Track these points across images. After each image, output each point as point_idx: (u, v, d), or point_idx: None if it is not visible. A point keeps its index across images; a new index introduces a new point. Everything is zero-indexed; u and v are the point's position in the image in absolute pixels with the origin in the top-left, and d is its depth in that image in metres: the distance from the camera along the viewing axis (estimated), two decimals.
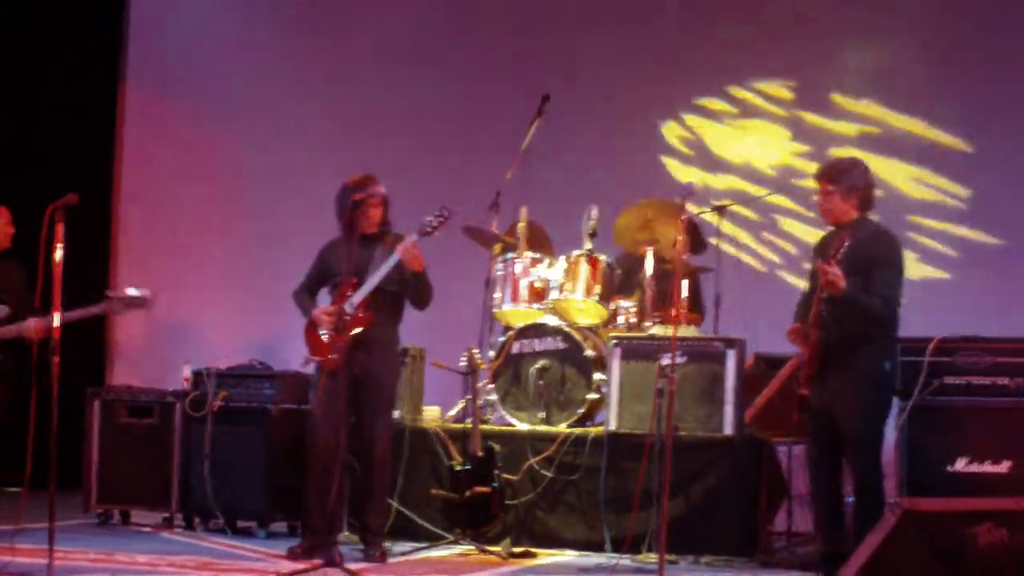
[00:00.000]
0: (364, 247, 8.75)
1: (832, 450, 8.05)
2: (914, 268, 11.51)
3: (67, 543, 8.55)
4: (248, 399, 10.09)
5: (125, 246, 13.65)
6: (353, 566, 7.86)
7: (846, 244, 7.74)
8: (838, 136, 12.15)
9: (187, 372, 10.35)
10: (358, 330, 8.62)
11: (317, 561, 7.97)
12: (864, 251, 7.90)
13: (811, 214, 11.86)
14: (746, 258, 11.40)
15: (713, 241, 10.44)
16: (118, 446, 10.33)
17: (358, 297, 8.66)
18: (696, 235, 10.30)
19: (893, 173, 11.87)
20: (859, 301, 7.83)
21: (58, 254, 7.40)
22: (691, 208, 9.46)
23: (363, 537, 8.91)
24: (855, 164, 8.29)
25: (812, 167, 11.82)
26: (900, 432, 8.60)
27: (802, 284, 11.22)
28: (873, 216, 8.24)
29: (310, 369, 9.37)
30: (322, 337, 8.71)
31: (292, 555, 8.53)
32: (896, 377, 8.26)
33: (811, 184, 10.09)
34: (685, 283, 9.27)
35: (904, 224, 11.56)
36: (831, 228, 8.28)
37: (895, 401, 8.50)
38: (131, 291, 8.45)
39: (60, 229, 7.35)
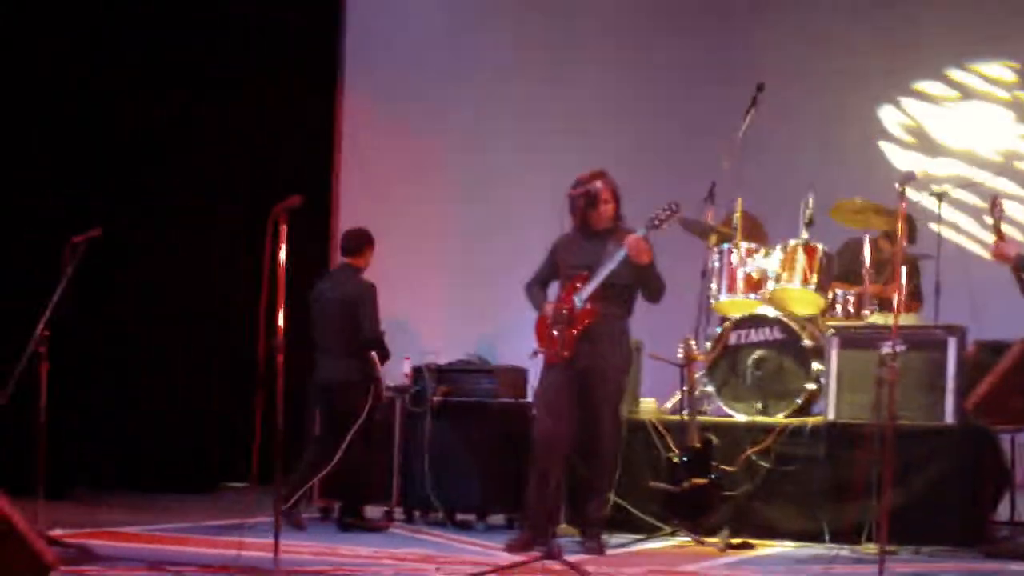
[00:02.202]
0: (596, 242, 8.81)
1: None
2: None
3: (291, 537, 8.74)
4: (467, 393, 10.21)
5: None
6: (571, 558, 7.89)
7: (1000, 214, 7.69)
8: None
9: (407, 368, 10.49)
10: (586, 323, 8.66)
11: (536, 553, 8.00)
12: None
13: None
14: (968, 244, 11.18)
15: (934, 228, 10.26)
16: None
17: (587, 291, 8.69)
18: (909, 225, 10.15)
19: None
20: None
21: (282, 255, 7.56)
22: (910, 194, 9.31)
23: (582, 529, 8.94)
24: None
25: None
26: None
27: None
28: None
29: (534, 363, 9.43)
30: (552, 331, 8.75)
31: (510, 548, 8.58)
32: None
33: None
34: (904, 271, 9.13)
35: None
36: None
37: None
38: None
39: (284, 231, 7.50)
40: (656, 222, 8.69)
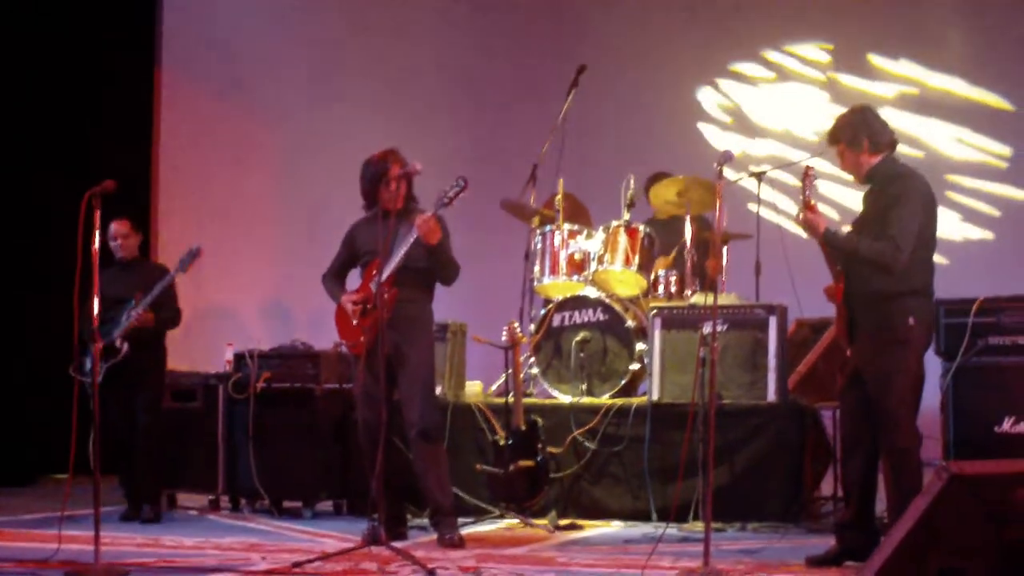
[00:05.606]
0: (389, 224, 8.50)
1: (863, 413, 7.47)
2: (957, 228, 11.44)
3: (114, 528, 8.58)
4: (291, 379, 10.08)
5: (164, 231, 13.65)
6: (402, 544, 7.80)
7: (812, 185, 7.38)
8: (876, 98, 12.05)
9: (229, 355, 10.35)
10: (385, 311, 8.31)
11: (359, 539, 7.83)
12: (881, 195, 7.38)
13: (851, 177, 11.81)
14: (787, 223, 11.30)
15: (752, 208, 10.36)
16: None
17: (383, 276, 8.34)
18: None
19: (933, 133, 11.79)
20: (841, 244, 7.34)
21: (96, 240, 7.38)
22: (728, 175, 9.37)
23: (434, 520, 8.56)
24: (853, 112, 7.58)
25: None
26: (945, 394, 8.39)
27: None
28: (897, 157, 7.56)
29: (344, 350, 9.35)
30: (351, 321, 8.51)
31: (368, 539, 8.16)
32: (926, 334, 7.49)
33: None
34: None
35: (945, 184, 11.50)
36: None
37: (940, 363, 8.39)
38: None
39: (97, 216, 7.33)
40: (446, 200, 8.30)
